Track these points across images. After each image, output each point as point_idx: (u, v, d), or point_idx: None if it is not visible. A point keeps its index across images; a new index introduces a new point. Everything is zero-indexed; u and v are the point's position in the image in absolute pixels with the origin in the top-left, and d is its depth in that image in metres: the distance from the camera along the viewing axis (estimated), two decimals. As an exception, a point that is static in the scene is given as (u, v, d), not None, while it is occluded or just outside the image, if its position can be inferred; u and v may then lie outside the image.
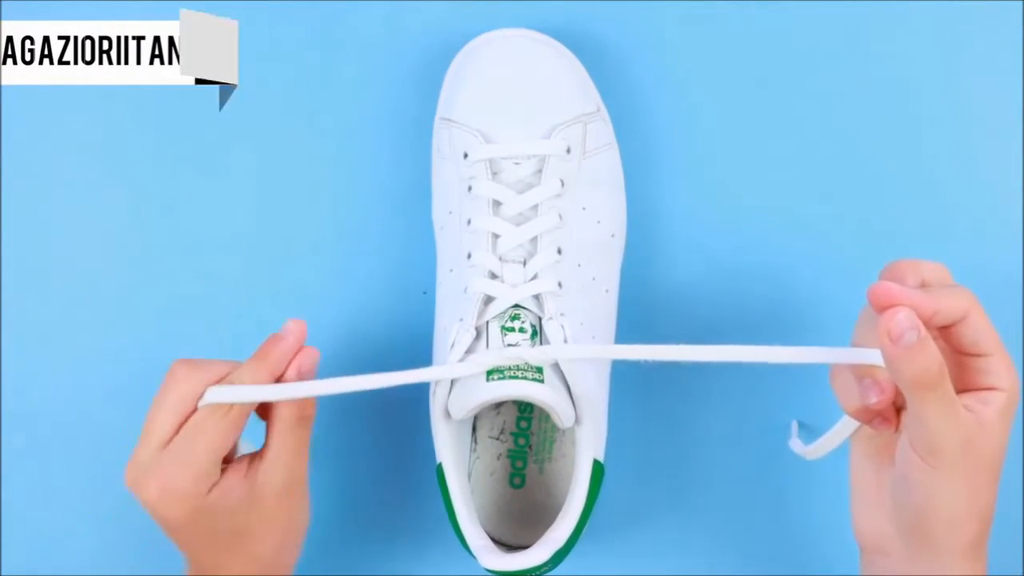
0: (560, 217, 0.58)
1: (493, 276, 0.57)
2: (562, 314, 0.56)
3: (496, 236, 0.57)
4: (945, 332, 0.49)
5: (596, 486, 0.56)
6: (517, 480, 0.60)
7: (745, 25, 0.64)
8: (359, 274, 0.64)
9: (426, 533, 0.63)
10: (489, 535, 0.55)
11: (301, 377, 0.53)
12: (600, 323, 0.58)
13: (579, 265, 0.58)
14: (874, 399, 0.48)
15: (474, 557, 0.54)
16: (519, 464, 0.60)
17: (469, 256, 0.57)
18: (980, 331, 0.48)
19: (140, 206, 0.65)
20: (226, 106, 0.65)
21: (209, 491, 0.52)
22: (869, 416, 0.50)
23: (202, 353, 0.63)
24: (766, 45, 0.64)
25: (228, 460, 0.54)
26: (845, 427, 0.54)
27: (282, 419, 0.53)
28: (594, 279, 0.59)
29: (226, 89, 0.65)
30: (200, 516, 0.52)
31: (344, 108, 0.65)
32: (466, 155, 0.58)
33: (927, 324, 0.46)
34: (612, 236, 0.60)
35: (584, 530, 0.56)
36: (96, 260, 0.64)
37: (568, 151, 0.58)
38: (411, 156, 0.64)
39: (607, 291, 0.60)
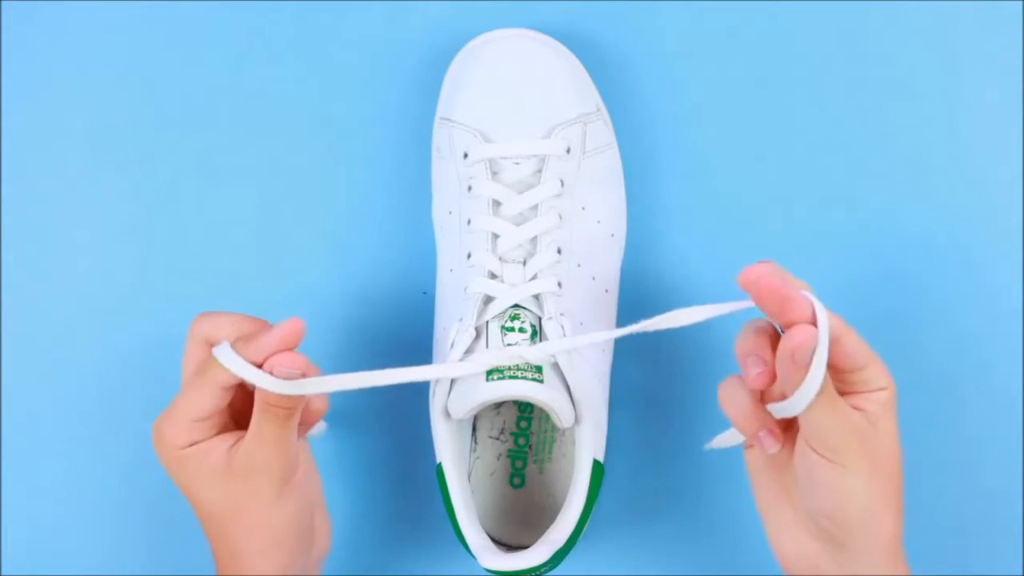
0: (560, 217, 0.58)
1: (493, 276, 0.57)
2: (562, 314, 0.56)
3: (496, 236, 0.57)
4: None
5: (596, 486, 0.56)
6: (517, 480, 0.60)
7: (745, 25, 0.64)
8: (359, 274, 0.64)
9: (426, 533, 0.63)
10: (489, 535, 0.55)
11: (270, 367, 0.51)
12: (600, 323, 0.58)
13: (579, 265, 0.58)
14: (755, 371, 0.48)
15: (474, 557, 0.54)
16: (519, 464, 0.60)
17: (469, 256, 0.57)
18: (854, 350, 0.48)
19: (140, 206, 0.65)
20: (226, 106, 0.65)
21: (189, 445, 0.51)
22: (756, 426, 0.49)
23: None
24: (766, 45, 0.64)
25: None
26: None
27: (256, 404, 0.51)
28: (594, 279, 0.59)
29: (226, 89, 0.65)
30: (180, 468, 0.52)
31: (344, 108, 0.65)
32: (466, 155, 0.58)
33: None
34: (612, 236, 0.60)
35: (584, 530, 0.56)
36: (96, 260, 0.64)
37: (568, 151, 0.58)
38: (411, 156, 0.64)
39: (607, 291, 0.60)
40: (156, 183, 0.65)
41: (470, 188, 0.58)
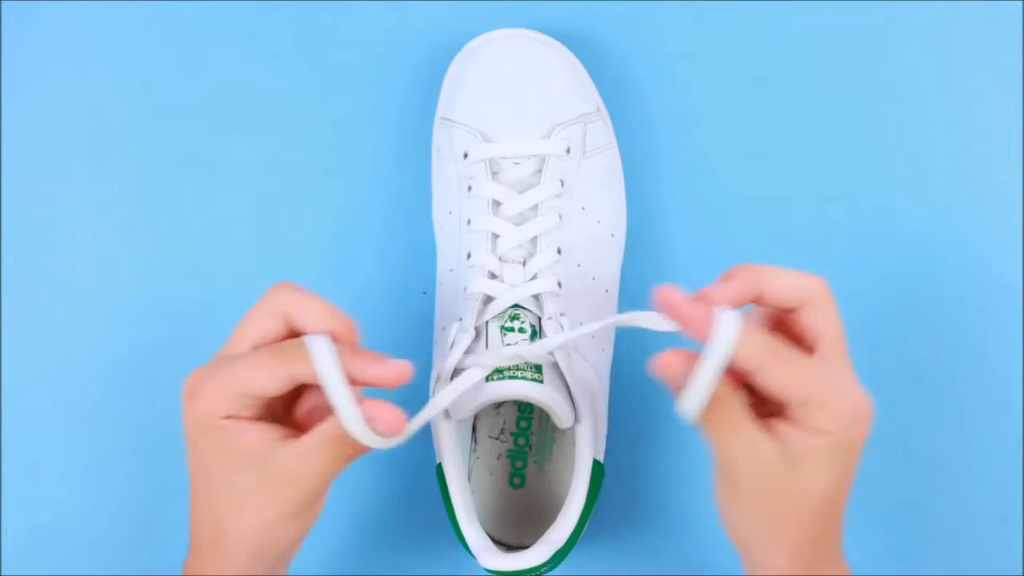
0: (560, 217, 0.58)
1: (493, 276, 0.57)
2: (562, 314, 0.56)
3: (496, 236, 0.57)
4: (782, 323, 0.47)
5: (596, 486, 0.56)
6: (517, 480, 0.60)
7: (745, 25, 0.64)
8: (359, 274, 0.64)
9: (426, 533, 0.63)
10: (489, 535, 0.55)
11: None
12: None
13: (579, 265, 0.58)
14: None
15: (474, 557, 0.54)
16: (519, 464, 0.60)
17: (469, 256, 0.57)
18: (784, 384, 0.44)
19: (140, 206, 0.65)
20: (226, 106, 0.65)
21: (226, 416, 0.46)
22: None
23: (201, 354, 0.63)
24: (766, 45, 0.64)
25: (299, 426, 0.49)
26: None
27: (329, 431, 0.46)
28: (594, 279, 0.59)
29: (226, 89, 0.65)
30: (205, 436, 0.47)
31: (344, 108, 0.65)
32: (466, 155, 0.58)
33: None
34: (612, 236, 0.60)
35: (584, 530, 0.56)
36: (96, 260, 0.64)
37: (568, 151, 0.58)
38: (411, 156, 0.64)
39: (607, 291, 0.60)
40: (156, 183, 0.65)
41: (470, 188, 0.58)
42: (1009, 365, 0.62)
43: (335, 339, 0.46)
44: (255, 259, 0.64)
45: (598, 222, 0.59)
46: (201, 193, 0.64)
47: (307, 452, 0.46)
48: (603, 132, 0.61)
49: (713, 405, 0.45)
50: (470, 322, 0.55)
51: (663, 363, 0.44)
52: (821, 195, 0.64)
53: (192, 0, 0.65)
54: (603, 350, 0.59)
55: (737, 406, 0.45)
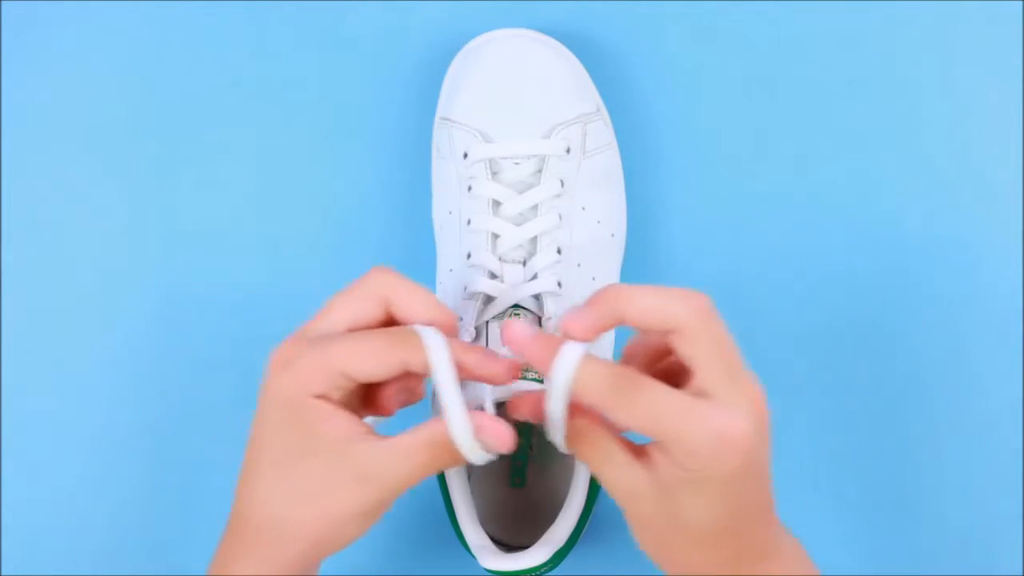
0: (560, 217, 0.58)
1: (493, 276, 0.57)
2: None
3: (496, 236, 0.57)
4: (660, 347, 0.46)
5: (596, 486, 0.56)
6: (517, 480, 0.60)
7: (745, 25, 0.64)
8: (359, 274, 0.64)
9: (426, 533, 0.63)
10: (489, 535, 0.55)
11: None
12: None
13: (579, 265, 0.58)
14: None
15: (474, 557, 0.54)
16: (519, 464, 0.60)
17: (469, 256, 0.57)
18: (688, 357, 0.43)
19: (140, 206, 0.65)
20: (225, 106, 0.65)
21: (318, 396, 0.44)
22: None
23: (200, 353, 0.64)
24: (766, 45, 0.64)
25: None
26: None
27: (433, 435, 0.44)
28: (594, 279, 0.59)
29: (226, 89, 0.65)
30: (292, 411, 0.44)
31: (344, 108, 0.65)
32: (466, 155, 0.58)
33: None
34: (612, 236, 0.60)
35: (584, 530, 0.56)
36: (96, 260, 0.64)
37: (568, 151, 0.58)
38: (411, 156, 0.64)
39: (607, 291, 0.59)
40: (156, 182, 0.65)
41: (470, 188, 0.58)
42: (1009, 365, 0.62)
43: (469, 350, 0.44)
44: (255, 259, 0.64)
45: (598, 222, 0.59)
46: (201, 192, 0.64)
47: (401, 453, 0.44)
48: (603, 132, 0.61)
49: (578, 438, 0.44)
50: (470, 322, 0.55)
51: (511, 407, 0.45)
52: (821, 195, 0.64)
53: (192, 1, 0.65)
54: (603, 351, 0.59)
55: (602, 437, 0.44)
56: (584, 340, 0.44)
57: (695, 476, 0.43)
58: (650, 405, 0.42)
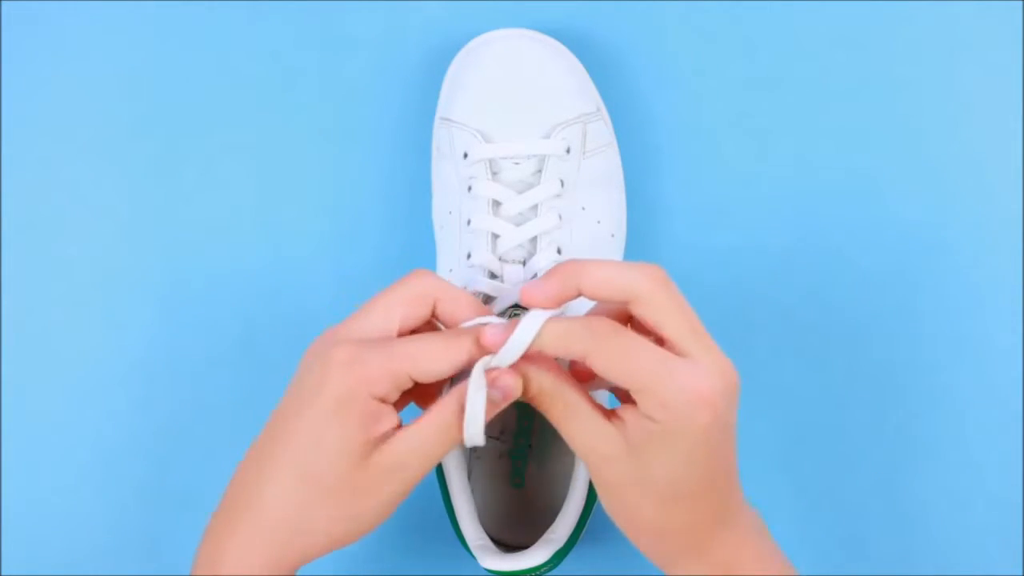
0: (560, 217, 0.58)
1: (493, 276, 0.57)
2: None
3: (496, 236, 0.57)
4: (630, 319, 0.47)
5: (596, 486, 0.56)
6: (517, 480, 0.60)
7: (745, 25, 0.64)
8: (359, 274, 0.64)
9: (426, 533, 0.63)
10: (489, 535, 0.55)
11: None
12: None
13: (579, 265, 0.58)
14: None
15: (474, 557, 0.54)
16: (519, 464, 0.60)
17: (469, 256, 0.57)
18: (610, 369, 0.44)
19: (140, 206, 0.65)
20: (226, 106, 0.65)
21: (383, 398, 0.45)
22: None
23: (201, 352, 0.64)
24: (766, 45, 0.64)
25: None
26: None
27: (446, 406, 0.46)
28: (594, 279, 0.59)
29: (226, 89, 0.65)
30: (348, 412, 0.45)
31: (344, 108, 0.65)
32: (466, 155, 0.58)
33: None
34: (612, 236, 0.60)
35: (584, 530, 0.56)
36: (96, 260, 0.64)
37: (568, 151, 0.58)
38: (411, 156, 0.64)
39: (607, 291, 0.59)
40: (156, 182, 0.65)
41: (470, 188, 0.58)
42: (1009, 365, 0.62)
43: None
44: (255, 258, 0.64)
45: (598, 222, 0.59)
46: (201, 192, 0.64)
47: (425, 443, 0.46)
48: (603, 132, 0.61)
49: (544, 396, 0.46)
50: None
51: (485, 341, 0.45)
52: (821, 195, 0.64)
53: (192, 1, 0.65)
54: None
55: (569, 392, 0.46)
56: (543, 308, 0.46)
57: (664, 431, 0.44)
58: (627, 350, 0.44)
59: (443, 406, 0.46)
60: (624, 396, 0.47)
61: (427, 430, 0.46)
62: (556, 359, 0.47)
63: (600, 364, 0.44)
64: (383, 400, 0.45)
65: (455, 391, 0.46)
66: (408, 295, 0.47)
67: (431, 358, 0.45)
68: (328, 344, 0.46)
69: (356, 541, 0.48)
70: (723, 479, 0.47)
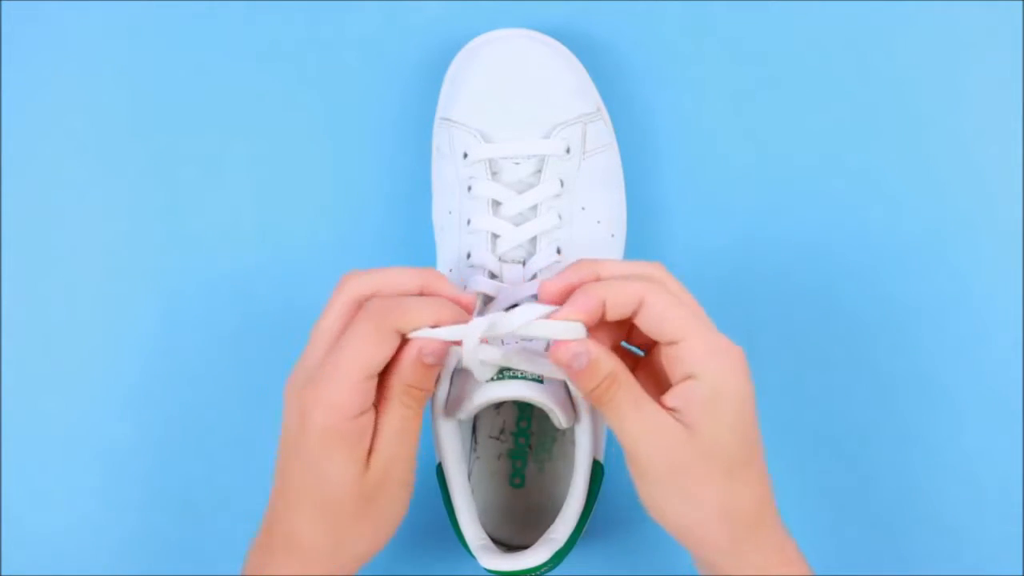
0: (560, 217, 0.58)
1: (492, 276, 0.57)
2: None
3: (496, 236, 0.57)
4: (633, 328, 0.49)
5: (596, 486, 0.56)
6: (517, 480, 0.60)
7: (745, 25, 0.64)
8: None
9: (426, 533, 0.63)
10: (489, 535, 0.55)
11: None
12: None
13: (579, 265, 0.58)
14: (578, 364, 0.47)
15: (474, 557, 0.54)
16: (519, 464, 0.60)
17: (469, 256, 0.57)
18: (661, 318, 0.47)
19: (140, 206, 0.65)
20: (226, 106, 0.65)
21: (360, 413, 0.48)
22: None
23: (201, 352, 0.64)
24: (766, 45, 0.64)
25: None
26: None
27: (389, 388, 0.49)
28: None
29: (226, 90, 0.65)
30: (340, 438, 0.47)
31: (344, 108, 0.65)
32: (466, 155, 0.58)
33: (601, 320, 0.47)
34: (612, 236, 0.60)
35: (584, 530, 0.56)
36: (96, 260, 0.64)
37: (568, 151, 0.58)
38: (411, 156, 0.64)
39: (607, 291, 0.60)
40: (156, 183, 0.65)
41: (470, 188, 0.58)
42: (1009, 365, 0.62)
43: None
44: (255, 259, 0.64)
45: (598, 222, 0.59)
46: (201, 193, 0.64)
47: (389, 427, 0.49)
48: (603, 132, 0.61)
49: (611, 385, 0.47)
50: (470, 322, 0.55)
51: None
52: (821, 195, 0.64)
53: (192, 0, 0.65)
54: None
55: (635, 385, 0.47)
56: (554, 303, 0.48)
57: (713, 393, 0.46)
58: (673, 300, 0.47)
59: (389, 398, 0.49)
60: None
61: (390, 427, 0.49)
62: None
63: (658, 308, 0.47)
64: (361, 412, 0.48)
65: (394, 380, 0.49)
66: (343, 310, 0.49)
67: (356, 360, 0.47)
68: (297, 385, 0.49)
69: (383, 548, 0.52)
70: (761, 453, 0.49)
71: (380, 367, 0.48)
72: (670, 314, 0.47)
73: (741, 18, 0.64)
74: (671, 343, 0.47)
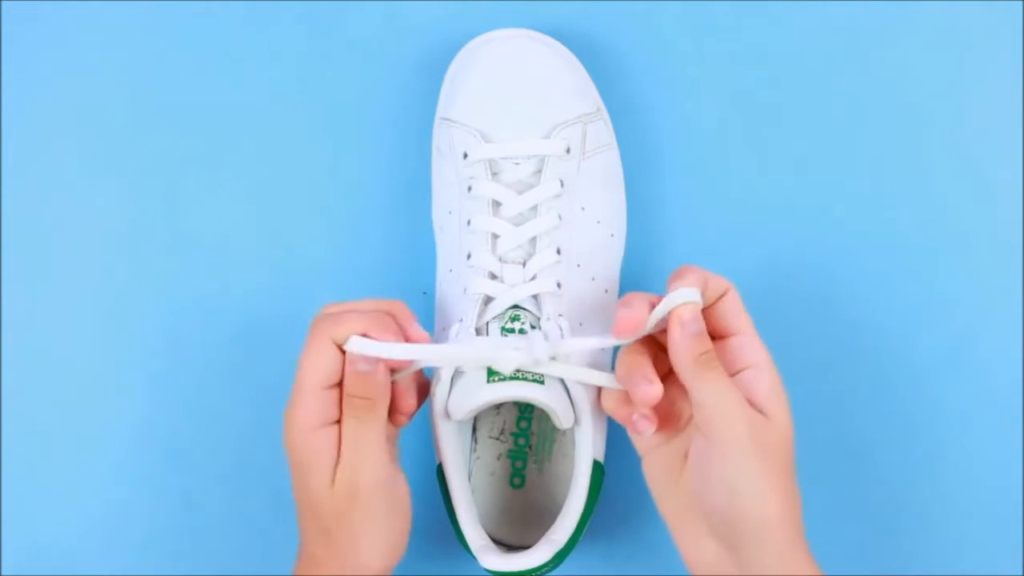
0: (559, 217, 0.58)
1: (492, 277, 0.57)
2: (560, 314, 0.56)
3: (496, 236, 0.57)
4: (707, 316, 0.51)
5: (596, 486, 0.56)
6: (517, 480, 0.60)
7: (745, 25, 0.64)
8: (359, 274, 0.64)
9: (426, 533, 0.63)
10: (489, 535, 0.55)
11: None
12: (599, 324, 0.58)
13: (578, 265, 0.58)
14: (645, 429, 0.52)
15: (474, 557, 0.54)
16: (519, 464, 0.60)
17: (469, 256, 0.57)
18: (738, 309, 0.52)
19: (140, 206, 0.65)
20: (226, 106, 0.65)
21: (321, 426, 0.51)
22: (627, 413, 0.53)
23: (201, 351, 0.64)
24: (766, 45, 0.64)
25: None
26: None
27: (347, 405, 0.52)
28: (593, 279, 0.59)
29: (226, 90, 0.65)
30: (307, 451, 0.51)
31: (344, 108, 0.65)
32: (466, 155, 0.58)
33: (643, 339, 0.51)
34: (612, 236, 0.60)
35: (584, 530, 0.56)
36: (96, 260, 0.64)
37: (568, 151, 0.58)
38: (411, 156, 0.64)
39: (607, 291, 0.60)
40: (156, 184, 0.65)
41: (470, 188, 0.58)
42: (1009, 365, 0.62)
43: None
44: (255, 259, 0.64)
45: (598, 222, 0.59)
46: (201, 194, 0.64)
47: (345, 442, 0.51)
48: (603, 132, 0.61)
49: (706, 362, 0.49)
50: (470, 323, 0.55)
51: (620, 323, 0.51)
52: (821, 195, 0.64)
53: (192, 1, 0.65)
54: (603, 351, 0.59)
55: (722, 368, 0.50)
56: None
57: (773, 386, 0.50)
58: (738, 304, 0.52)
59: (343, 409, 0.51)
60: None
61: (347, 436, 0.51)
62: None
63: (736, 300, 0.52)
64: (323, 425, 0.50)
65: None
66: (323, 359, 0.51)
67: (309, 364, 0.50)
68: (285, 437, 0.52)
69: (404, 550, 0.54)
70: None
71: (328, 379, 0.50)
72: (743, 311, 0.52)
73: (741, 18, 0.64)
74: (737, 333, 0.51)
